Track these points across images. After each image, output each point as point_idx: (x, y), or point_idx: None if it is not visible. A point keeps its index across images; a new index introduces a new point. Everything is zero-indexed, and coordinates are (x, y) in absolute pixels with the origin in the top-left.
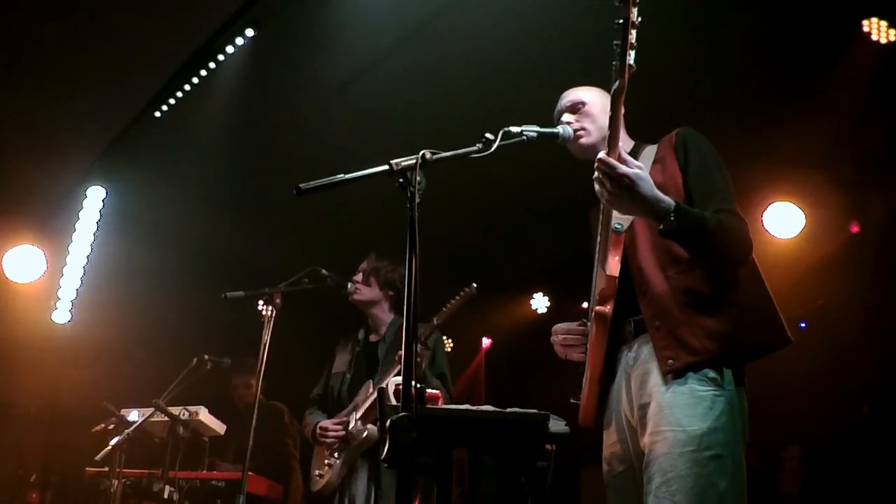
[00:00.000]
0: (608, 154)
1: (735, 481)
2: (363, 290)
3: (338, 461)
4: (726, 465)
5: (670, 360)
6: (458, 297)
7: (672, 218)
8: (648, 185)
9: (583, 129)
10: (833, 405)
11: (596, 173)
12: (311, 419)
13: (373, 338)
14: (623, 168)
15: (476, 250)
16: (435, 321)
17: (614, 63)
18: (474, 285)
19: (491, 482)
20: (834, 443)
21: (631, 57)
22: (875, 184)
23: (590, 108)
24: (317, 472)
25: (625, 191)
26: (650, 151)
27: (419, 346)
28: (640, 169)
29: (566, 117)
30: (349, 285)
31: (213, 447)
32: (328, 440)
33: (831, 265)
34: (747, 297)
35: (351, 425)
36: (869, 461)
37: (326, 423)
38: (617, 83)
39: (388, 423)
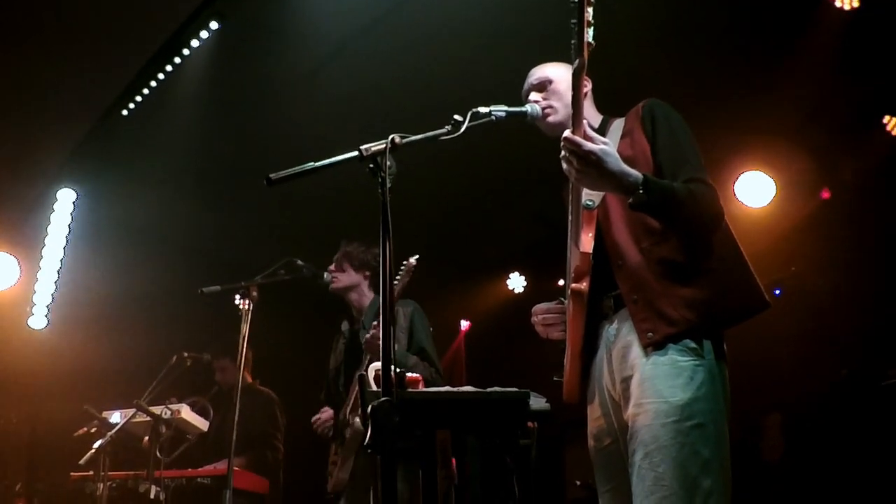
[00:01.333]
0: (573, 132)
1: (719, 449)
2: (340, 277)
3: (340, 458)
4: (709, 434)
5: (650, 333)
6: (401, 273)
7: (641, 191)
8: (615, 161)
9: (550, 107)
10: (811, 370)
11: (563, 152)
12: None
13: (356, 324)
14: (589, 145)
15: (450, 233)
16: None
17: (573, 42)
18: (416, 257)
19: (475, 462)
20: (813, 407)
21: (589, 34)
22: (845, 149)
23: (556, 86)
24: (329, 472)
25: (592, 167)
26: (618, 125)
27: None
28: (605, 145)
29: (533, 95)
30: (325, 275)
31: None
32: (317, 429)
33: (803, 232)
34: (723, 263)
35: (349, 419)
36: (848, 424)
37: (317, 416)
38: (577, 62)
39: (369, 408)
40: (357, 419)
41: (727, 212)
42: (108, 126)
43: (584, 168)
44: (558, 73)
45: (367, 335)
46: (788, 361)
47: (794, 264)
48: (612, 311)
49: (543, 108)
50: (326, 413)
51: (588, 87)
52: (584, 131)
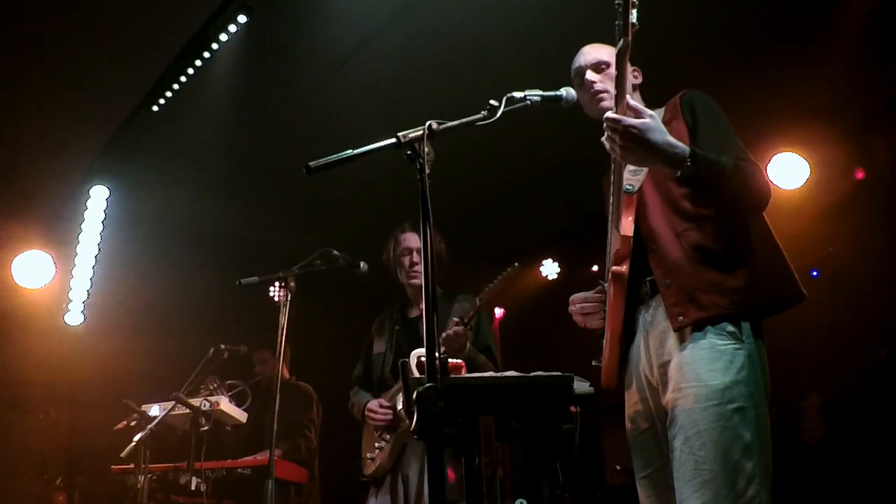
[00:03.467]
0: (616, 111)
1: (760, 432)
2: (420, 271)
3: (388, 444)
4: (750, 417)
5: (680, 317)
6: (501, 277)
7: (689, 163)
8: (660, 133)
9: (606, 91)
10: (850, 351)
11: (606, 133)
12: (357, 399)
13: (413, 312)
14: (629, 120)
15: (483, 220)
16: (478, 301)
17: (617, 23)
18: (517, 265)
19: (519, 447)
20: (852, 388)
21: (633, 15)
22: (879, 130)
23: (613, 70)
24: (368, 455)
25: (636, 142)
26: (657, 114)
27: (464, 327)
28: (651, 118)
29: (590, 75)
30: (406, 263)
31: (236, 433)
32: (376, 422)
33: (838, 212)
34: (758, 252)
35: (399, 407)
36: (888, 404)
37: (374, 404)
38: (621, 42)
39: (413, 395)
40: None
41: None
42: (138, 122)
43: (627, 143)
44: (612, 56)
45: (449, 332)
46: (827, 342)
47: (830, 245)
48: (649, 296)
49: (598, 91)
50: (382, 411)
51: (639, 79)
52: (628, 104)
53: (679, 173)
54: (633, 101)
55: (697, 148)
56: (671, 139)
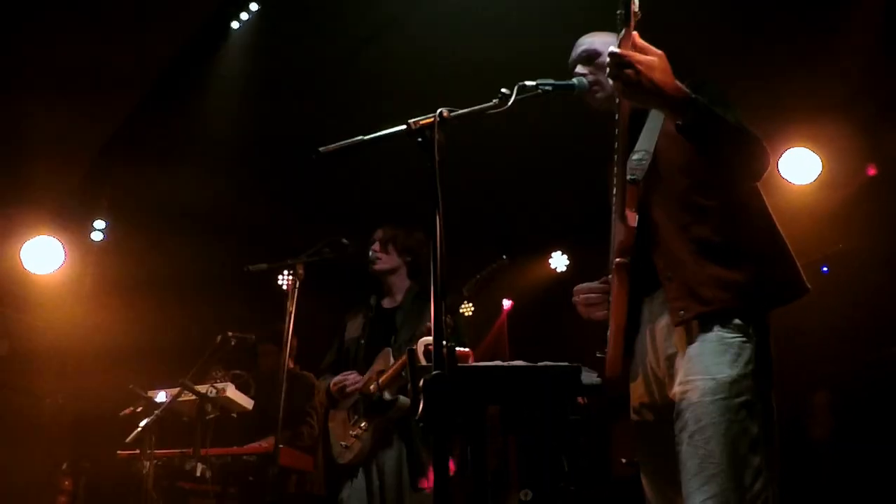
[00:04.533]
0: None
1: (767, 426)
2: (383, 259)
3: (366, 432)
4: (757, 411)
5: (681, 311)
6: (488, 269)
7: (691, 110)
8: (666, 74)
9: (598, 82)
10: (860, 347)
11: (609, 69)
12: (323, 383)
13: (387, 303)
14: (635, 55)
15: (492, 211)
16: (465, 292)
17: (619, 11)
18: (504, 257)
19: (525, 437)
20: (862, 384)
21: (636, 4)
22: (891, 125)
23: (605, 59)
24: (342, 443)
25: (642, 77)
26: None
27: (449, 316)
28: (659, 57)
29: (580, 69)
30: (370, 255)
31: (241, 420)
32: (349, 390)
33: (850, 208)
34: (763, 246)
35: (384, 395)
36: None
37: (339, 376)
38: (623, 31)
39: (420, 383)
40: (399, 397)
41: (772, 189)
42: (148, 107)
43: (632, 78)
44: (607, 45)
45: (429, 324)
46: (837, 338)
47: (841, 241)
48: (654, 288)
49: (591, 83)
50: (353, 375)
51: None
52: (634, 42)
53: (680, 121)
54: (642, 43)
55: None
56: (677, 83)
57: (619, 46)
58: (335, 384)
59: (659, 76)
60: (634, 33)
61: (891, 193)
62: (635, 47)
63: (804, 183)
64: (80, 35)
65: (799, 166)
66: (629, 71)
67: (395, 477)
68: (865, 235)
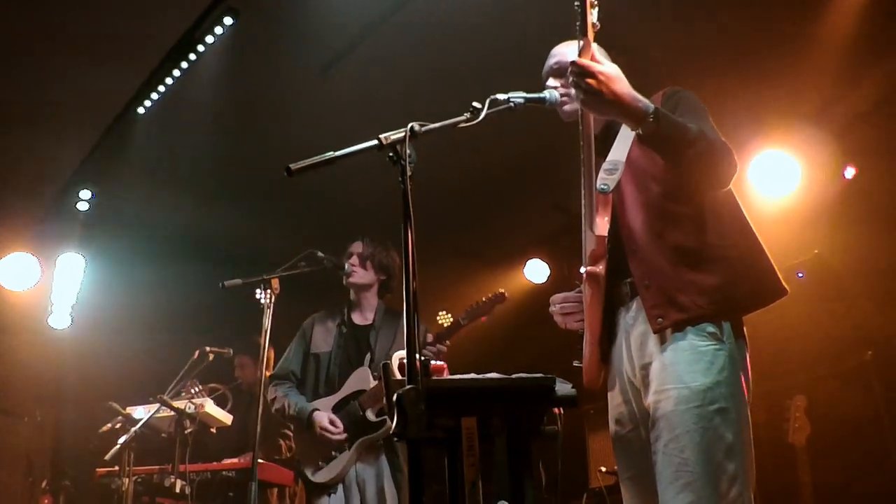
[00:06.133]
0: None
1: (742, 433)
2: (360, 273)
3: (349, 452)
4: (731, 418)
5: (659, 319)
6: (486, 299)
7: (651, 119)
8: (625, 84)
9: (569, 94)
10: (836, 352)
11: (571, 78)
12: (290, 401)
13: (358, 319)
14: (597, 66)
15: (468, 222)
16: (461, 321)
17: (577, 24)
18: (502, 291)
19: (501, 449)
20: (838, 389)
21: (594, 15)
22: (869, 129)
23: None
24: (320, 461)
25: (602, 87)
26: None
27: (440, 345)
28: (615, 69)
29: (552, 81)
30: (346, 267)
31: (220, 435)
32: (335, 439)
33: (825, 213)
34: (738, 249)
35: (367, 415)
36: (874, 405)
37: (324, 422)
38: (581, 43)
39: (394, 397)
40: (369, 412)
41: (747, 197)
42: (123, 126)
43: (592, 88)
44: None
45: (433, 348)
46: (813, 344)
47: (815, 246)
48: (629, 297)
49: (562, 95)
50: (339, 428)
51: None
52: (592, 55)
53: (641, 130)
54: (600, 56)
55: None
56: (636, 93)
57: (580, 56)
58: (321, 428)
59: (618, 86)
60: (594, 44)
61: (866, 199)
62: (593, 59)
63: (779, 188)
64: (56, 54)
65: (774, 171)
66: (591, 81)
67: (376, 495)
68: (840, 240)
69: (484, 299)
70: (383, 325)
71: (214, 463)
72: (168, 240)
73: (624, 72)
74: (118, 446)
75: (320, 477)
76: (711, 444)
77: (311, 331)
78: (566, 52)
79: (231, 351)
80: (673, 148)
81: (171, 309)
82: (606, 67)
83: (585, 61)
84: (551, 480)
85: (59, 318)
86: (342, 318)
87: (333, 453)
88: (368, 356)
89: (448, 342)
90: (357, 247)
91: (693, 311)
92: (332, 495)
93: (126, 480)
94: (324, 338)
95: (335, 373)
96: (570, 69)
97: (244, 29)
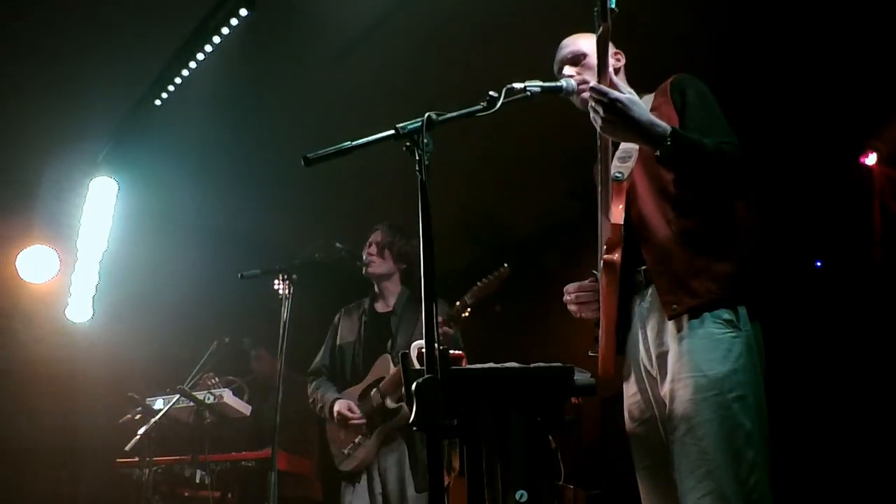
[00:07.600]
0: (599, 82)
1: (760, 420)
2: (378, 263)
3: (369, 439)
4: (750, 405)
5: (674, 305)
6: (490, 277)
7: (668, 142)
8: (642, 110)
9: (585, 82)
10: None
11: (590, 102)
12: (321, 394)
13: (380, 307)
14: (615, 93)
15: (482, 211)
16: (467, 300)
17: (595, 9)
18: (506, 265)
19: (519, 439)
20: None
21: (611, 1)
22: None
23: (591, 60)
24: (345, 450)
25: (619, 115)
26: (647, 100)
27: (450, 325)
28: (632, 94)
29: (567, 70)
30: (364, 257)
31: (236, 427)
32: (355, 423)
33: None
34: (750, 236)
35: (378, 402)
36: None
37: (342, 407)
38: (600, 28)
39: (413, 386)
40: (388, 399)
41: None
42: (141, 116)
43: (610, 116)
44: (592, 47)
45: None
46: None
47: None
48: (644, 285)
49: (578, 84)
50: (356, 415)
51: (622, 62)
52: (610, 80)
53: (658, 152)
54: (617, 81)
55: (684, 128)
56: (653, 118)
57: (598, 77)
58: (339, 414)
59: (638, 112)
60: (611, 71)
61: None
62: (611, 85)
63: None
64: (73, 44)
65: None
66: (609, 108)
67: (398, 482)
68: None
69: (488, 276)
70: (405, 311)
71: (234, 453)
72: (187, 230)
73: (639, 58)
74: (138, 437)
75: (345, 466)
76: (731, 432)
77: (339, 323)
78: (579, 41)
79: (249, 341)
80: (690, 168)
81: (190, 300)
82: (625, 95)
83: (604, 88)
84: (570, 469)
85: (77, 311)
86: (364, 308)
87: (357, 441)
88: (390, 342)
89: (454, 325)
90: (376, 235)
91: (706, 296)
92: (357, 485)
93: (146, 471)
94: (349, 329)
95: (360, 362)
96: (589, 94)
97: (261, 18)
